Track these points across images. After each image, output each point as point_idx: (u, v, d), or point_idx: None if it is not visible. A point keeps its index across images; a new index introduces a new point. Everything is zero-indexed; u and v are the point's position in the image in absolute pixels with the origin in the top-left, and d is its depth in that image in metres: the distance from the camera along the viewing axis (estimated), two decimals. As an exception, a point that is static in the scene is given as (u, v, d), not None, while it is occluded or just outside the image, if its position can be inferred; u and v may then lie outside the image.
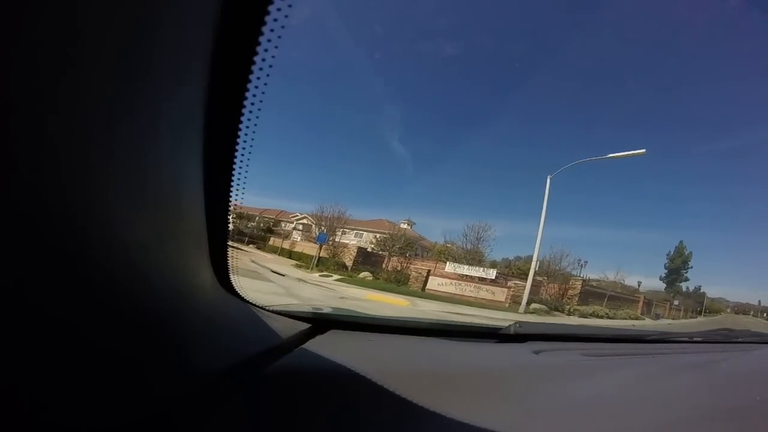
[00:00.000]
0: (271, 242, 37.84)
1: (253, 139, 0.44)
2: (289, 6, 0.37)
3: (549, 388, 0.77)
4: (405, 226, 43.03)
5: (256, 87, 0.40)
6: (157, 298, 0.39)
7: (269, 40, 0.38)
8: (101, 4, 0.24)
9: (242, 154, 0.44)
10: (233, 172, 0.45)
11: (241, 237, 36.86)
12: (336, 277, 17.91)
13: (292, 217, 52.07)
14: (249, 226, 40.57)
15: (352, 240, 43.76)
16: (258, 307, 0.78)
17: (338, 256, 26.25)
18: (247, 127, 0.42)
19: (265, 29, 0.37)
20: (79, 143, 0.25)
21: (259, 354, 0.64)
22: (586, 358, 1.10)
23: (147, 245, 0.35)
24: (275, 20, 0.37)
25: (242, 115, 0.41)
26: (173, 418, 0.44)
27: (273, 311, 0.85)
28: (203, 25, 0.34)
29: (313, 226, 47.63)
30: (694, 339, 1.74)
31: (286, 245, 33.83)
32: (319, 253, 25.38)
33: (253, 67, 0.39)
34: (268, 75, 0.40)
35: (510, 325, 1.18)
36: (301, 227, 51.14)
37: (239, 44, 0.38)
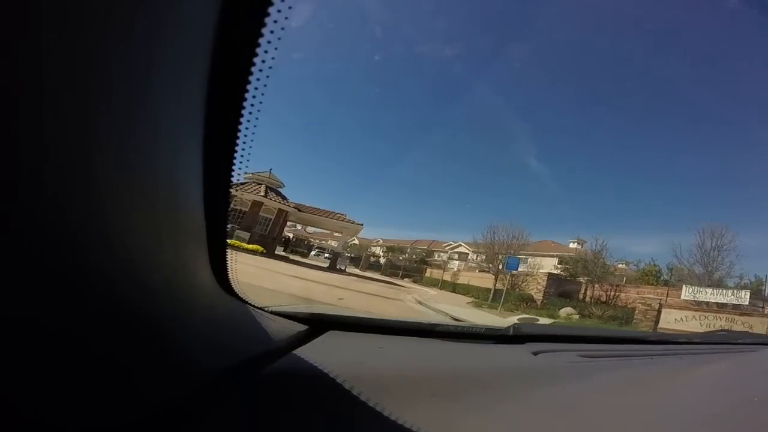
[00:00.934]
0: (428, 274, 33.72)
1: (252, 140, 0.45)
2: (290, 8, 0.37)
3: (547, 389, 0.77)
4: (575, 245, 36.06)
5: (256, 88, 0.41)
6: (156, 298, 0.40)
7: (269, 41, 0.39)
8: (101, 5, 0.24)
9: (241, 155, 0.46)
10: (232, 173, 0.46)
11: (395, 270, 33.98)
12: (526, 316, 13.04)
13: (446, 246, 48.19)
14: (401, 258, 37.36)
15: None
16: (256, 307, 0.78)
17: (520, 287, 19.71)
18: (246, 128, 0.44)
19: (264, 30, 0.38)
20: (80, 142, 0.26)
21: (257, 355, 0.64)
22: (584, 359, 1.09)
23: (146, 245, 0.35)
24: (275, 21, 0.38)
25: (241, 116, 0.42)
26: (170, 418, 0.45)
27: (271, 312, 0.85)
28: (203, 25, 0.35)
29: (470, 254, 43.46)
30: (694, 341, 1.78)
31: (447, 276, 28.50)
32: (495, 285, 19.40)
33: (253, 69, 0.40)
34: (267, 76, 0.41)
35: (509, 326, 1.18)
36: (456, 256, 46.52)
37: (239, 45, 0.38)
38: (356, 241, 52.45)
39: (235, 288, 0.61)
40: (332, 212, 21.56)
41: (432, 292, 21.18)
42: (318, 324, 0.90)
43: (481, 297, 19.23)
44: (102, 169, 0.27)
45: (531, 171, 53.97)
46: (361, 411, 0.55)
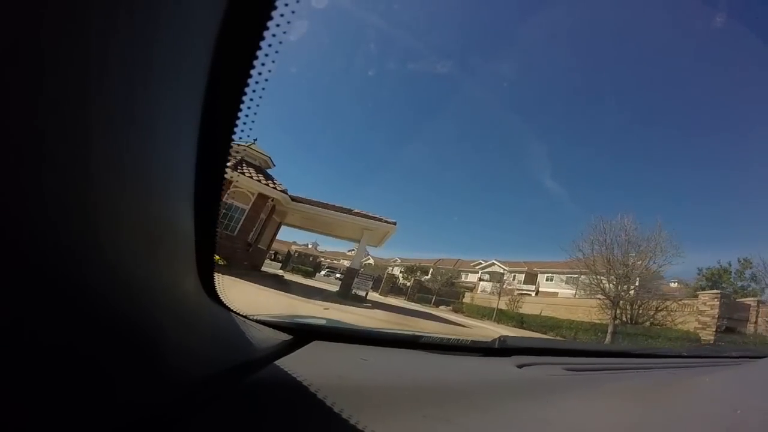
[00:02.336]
0: (468, 300, 26.56)
1: (245, 150, 0.49)
2: (288, 22, 0.38)
3: (531, 402, 0.77)
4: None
5: (251, 99, 0.42)
6: (140, 303, 0.40)
7: (266, 54, 0.39)
8: (102, 8, 0.24)
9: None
10: (224, 179, 0.47)
11: (424, 295, 26.87)
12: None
13: (475, 265, 41.17)
14: (424, 279, 30.17)
15: (561, 287, 29.30)
16: (241, 316, 0.77)
17: (652, 319, 12.86)
18: (239, 138, 0.45)
19: (263, 44, 0.39)
20: (75, 143, 0.26)
21: (240, 364, 0.63)
22: (570, 373, 1.08)
23: (136, 250, 0.35)
24: (273, 35, 0.39)
25: (236, 126, 0.43)
26: (148, 427, 0.44)
27: (256, 321, 0.85)
28: (203, 36, 0.36)
29: (506, 274, 36.49)
30: (680, 354, 1.82)
31: (502, 304, 21.33)
32: (614, 315, 12.54)
33: (249, 80, 0.41)
34: (263, 88, 0.42)
35: (494, 339, 1.17)
36: (487, 277, 39.43)
37: (237, 55, 0.39)
38: (371, 261, 46.41)
39: (220, 296, 0.61)
40: (347, 208, 13.40)
41: (490, 327, 14.31)
42: (303, 334, 0.90)
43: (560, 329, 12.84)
44: (95, 171, 0.27)
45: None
46: (342, 423, 0.55)
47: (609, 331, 12.82)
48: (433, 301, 25.63)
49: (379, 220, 12.99)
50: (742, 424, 0.76)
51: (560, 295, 24.21)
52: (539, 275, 33.21)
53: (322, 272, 33.54)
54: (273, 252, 23.05)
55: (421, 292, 27.33)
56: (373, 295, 21.68)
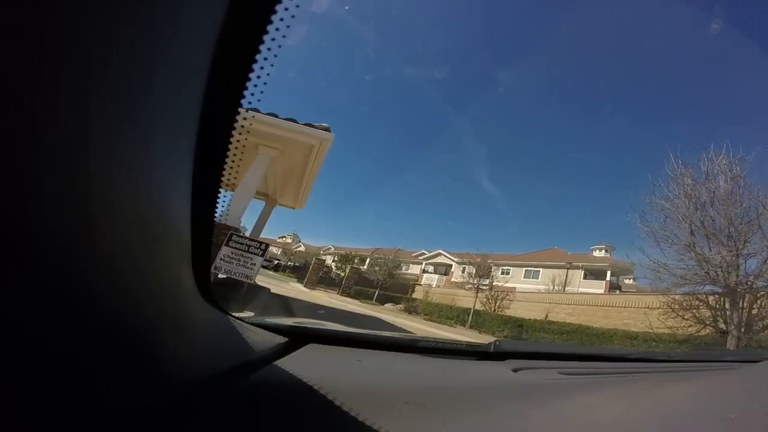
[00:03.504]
0: (420, 295, 20.66)
1: (242, 153, 0.48)
2: (287, 27, 0.39)
3: (526, 406, 0.77)
4: (601, 253, 28.43)
5: (249, 102, 0.42)
6: (136, 305, 0.39)
7: (265, 58, 0.40)
8: (103, 10, 0.24)
9: (230, 166, 0.47)
10: (221, 181, 0.47)
11: (365, 289, 20.29)
12: None
13: (417, 255, 35.78)
14: (363, 270, 23.53)
15: (523, 282, 25.58)
16: (237, 318, 0.77)
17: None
18: (238, 141, 0.45)
19: (262, 47, 0.39)
20: (74, 143, 0.26)
21: (235, 366, 0.63)
22: (565, 377, 1.07)
23: (132, 250, 0.35)
24: (273, 39, 0.39)
25: (233, 128, 0.43)
26: (140, 431, 0.43)
27: (251, 323, 0.85)
28: (203, 38, 0.36)
29: (454, 265, 31.99)
30: (675, 358, 1.77)
31: (477, 303, 15.55)
32: (739, 315, 7.22)
33: (248, 83, 0.41)
34: (262, 92, 0.42)
35: (490, 343, 1.17)
36: (431, 269, 34.29)
37: (237, 59, 0.39)
38: (302, 247, 41.14)
39: (215, 296, 0.62)
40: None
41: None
42: (298, 336, 0.90)
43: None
44: (93, 172, 0.27)
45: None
46: (338, 426, 0.55)
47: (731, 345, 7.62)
48: (375, 296, 19.12)
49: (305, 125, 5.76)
50: (739, 428, 0.74)
51: (518, 290, 19.42)
52: (493, 268, 29.29)
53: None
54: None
55: (359, 284, 20.60)
56: (296, 287, 14.47)
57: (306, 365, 0.73)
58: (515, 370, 1.02)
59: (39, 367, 0.30)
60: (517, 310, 14.70)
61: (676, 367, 1.56)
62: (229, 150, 0.44)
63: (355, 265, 24.09)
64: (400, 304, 17.80)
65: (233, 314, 0.73)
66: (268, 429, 0.52)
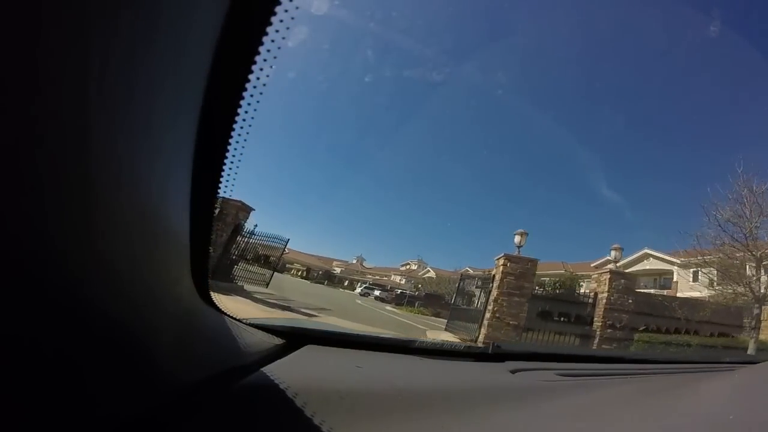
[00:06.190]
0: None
1: (242, 154, 0.48)
2: (287, 28, 0.39)
3: (524, 407, 0.77)
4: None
5: (248, 104, 0.42)
6: (135, 306, 0.39)
7: (265, 60, 0.40)
8: (104, 11, 0.24)
9: (230, 168, 0.47)
10: (219, 185, 0.47)
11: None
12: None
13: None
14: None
15: None
16: (235, 319, 0.77)
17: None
18: (237, 142, 0.45)
19: (261, 48, 0.39)
20: (77, 149, 0.26)
21: (233, 368, 0.63)
22: (562, 378, 1.08)
23: (132, 252, 0.35)
24: (272, 41, 0.39)
25: (233, 130, 0.43)
26: (140, 430, 0.44)
27: (249, 324, 0.84)
28: (204, 40, 0.36)
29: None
30: (674, 360, 1.83)
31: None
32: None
33: (247, 85, 0.41)
34: (261, 93, 0.42)
35: (488, 344, 1.19)
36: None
37: (236, 61, 0.40)
38: (431, 273, 34.95)
39: (214, 299, 0.61)
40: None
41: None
42: (296, 338, 0.89)
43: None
44: (94, 175, 0.27)
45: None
46: (335, 428, 0.54)
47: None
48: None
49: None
50: (735, 429, 0.74)
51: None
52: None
53: (358, 290, 30.25)
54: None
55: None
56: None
57: (303, 367, 0.73)
58: (513, 372, 1.02)
59: (37, 369, 0.30)
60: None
61: (673, 368, 1.56)
62: (228, 151, 0.44)
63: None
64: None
65: (231, 315, 0.73)
66: (266, 430, 0.51)
